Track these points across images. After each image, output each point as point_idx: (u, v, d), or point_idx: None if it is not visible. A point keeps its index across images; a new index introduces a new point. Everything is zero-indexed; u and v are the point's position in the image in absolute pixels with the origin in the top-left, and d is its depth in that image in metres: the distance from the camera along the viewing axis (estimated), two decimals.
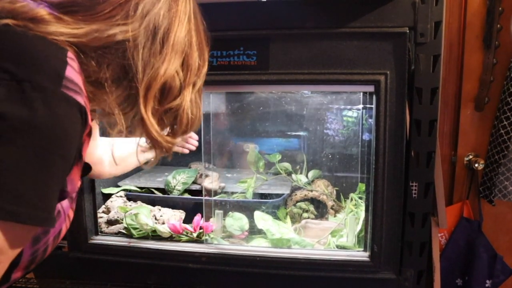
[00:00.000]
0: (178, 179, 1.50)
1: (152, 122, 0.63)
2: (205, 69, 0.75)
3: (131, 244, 1.21)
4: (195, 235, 1.24)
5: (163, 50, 0.64)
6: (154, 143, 0.67)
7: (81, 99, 0.53)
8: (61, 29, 0.55)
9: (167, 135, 0.70)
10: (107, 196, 1.42)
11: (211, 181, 1.37)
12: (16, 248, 0.49)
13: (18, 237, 0.49)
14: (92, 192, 1.24)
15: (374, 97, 1.07)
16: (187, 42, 0.69)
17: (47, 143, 0.48)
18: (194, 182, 1.48)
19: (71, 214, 0.66)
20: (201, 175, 1.43)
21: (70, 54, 0.55)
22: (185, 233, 1.24)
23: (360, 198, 1.37)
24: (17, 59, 0.49)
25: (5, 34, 0.51)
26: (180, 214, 1.36)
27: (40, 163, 0.48)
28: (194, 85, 0.72)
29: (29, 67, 0.49)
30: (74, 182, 0.60)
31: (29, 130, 0.47)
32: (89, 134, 0.60)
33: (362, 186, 1.40)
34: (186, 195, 1.47)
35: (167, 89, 0.66)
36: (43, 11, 0.55)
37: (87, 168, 0.72)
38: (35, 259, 0.58)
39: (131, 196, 1.44)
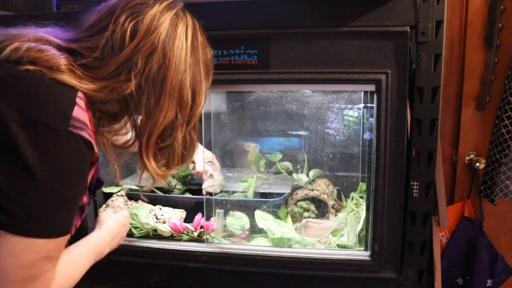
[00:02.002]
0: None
1: (153, 166, 0.69)
2: (201, 104, 0.76)
3: (132, 243, 1.22)
4: (196, 234, 1.24)
5: (161, 98, 0.69)
6: (151, 176, 0.74)
7: (86, 134, 0.63)
8: (73, 80, 0.64)
9: (162, 167, 0.75)
10: (108, 195, 1.43)
11: (211, 185, 1.37)
12: (59, 253, 0.65)
13: (60, 245, 0.65)
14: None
15: (375, 96, 1.07)
16: (183, 82, 0.71)
17: (62, 173, 0.59)
18: (190, 174, 1.46)
19: (79, 223, 0.74)
20: (193, 167, 1.39)
21: (79, 94, 0.64)
22: (186, 232, 1.24)
23: (361, 197, 1.37)
24: (32, 102, 0.59)
25: (24, 79, 0.60)
26: (181, 213, 1.36)
27: (61, 192, 0.60)
28: (188, 123, 0.74)
29: (41, 110, 0.59)
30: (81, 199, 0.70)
31: (44, 166, 0.57)
32: (96, 160, 0.70)
33: (363, 185, 1.40)
34: (187, 194, 1.47)
35: (164, 133, 0.71)
36: (62, 62, 0.64)
37: (99, 183, 0.80)
38: None
39: (132, 195, 1.45)
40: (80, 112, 0.63)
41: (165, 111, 0.69)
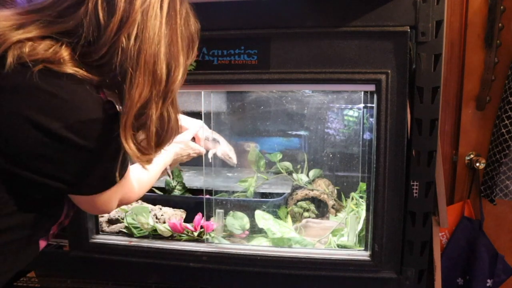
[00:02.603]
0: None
1: (132, 149, 0.67)
2: (178, 79, 0.72)
3: (132, 243, 1.22)
4: (196, 234, 1.24)
5: (136, 74, 0.65)
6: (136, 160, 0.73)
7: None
8: (78, 70, 0.65)
9: (143, 150, 0.71)
10: None
11: (220, 150, 1.31)
12: (129, 182, 0.83)
13: (127, 179, 0.80)
14: None
15: (375, 96, 1.07)
16: (157, 55, 0.67)
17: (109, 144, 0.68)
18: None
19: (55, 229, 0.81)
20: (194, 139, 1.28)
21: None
22: (186, 232, 1.24)
23: (361, 197, 1.37)
24: (68, 109, 0.64)
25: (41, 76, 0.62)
26: (181, 213, 1.36)
27: (112, 152, 0.70)
28: (164, 99, 0.70)
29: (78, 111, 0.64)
30: None
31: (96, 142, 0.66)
32: None
33: (363, 185, 1.40)
34: (187, 194, 1.47)
35: (139, 111, 0.67)
36: (65, 53, 0.65)
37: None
38: (63, 222, 0.80)
39: None
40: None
41: (140, 88, 0.65)
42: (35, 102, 0.62)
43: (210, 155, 1.29)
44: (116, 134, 0.66)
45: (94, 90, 0.66)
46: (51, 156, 0.64)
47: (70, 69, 0.64)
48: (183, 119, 1.18)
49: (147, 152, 0.70)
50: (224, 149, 1.30)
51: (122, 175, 0.75)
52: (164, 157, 1.05)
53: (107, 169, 0.71)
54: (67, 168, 0.66)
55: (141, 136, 0.69)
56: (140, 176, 0.92)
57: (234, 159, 1.33)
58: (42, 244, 0.78)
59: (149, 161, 0.72)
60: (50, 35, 0.66)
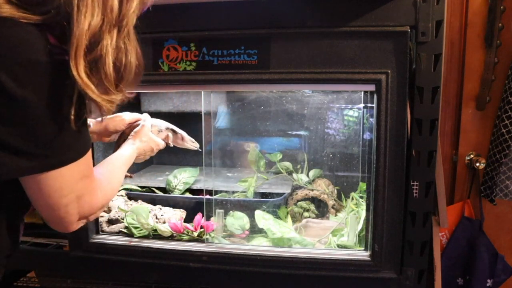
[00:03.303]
0: (179, 179, 1.50)
1: (86, 83, 0.59)
2: (132, 8, 0.65)
3: (132, 243, 1.22)
4: (196, 234, 1.24)
5: (84, 1, 0.59)
6: (94, 104, 0.64)
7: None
8: (15, 13, 0.57)
9: (103, 90, 0.64)
10: None
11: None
12: (91, 168, 0.71)
13: (88, 161, 0.68)
14: None
15: (375, 96, 1.06)
16: None
17: (55, 100, 0.60)
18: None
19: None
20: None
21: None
22: (186, 232, 1.24)
23: (361, 197, 1.37)
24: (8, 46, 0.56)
25: None
26: (181, 213, 1.36)
27: (61, 116, 0.61)
28: (119, 29, 0.64)
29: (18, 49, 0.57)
30: None
31: (38, 99, 0.58)
32: None
33: (363, 185, 1.40)
34: (187, 194, 1.47)
35: (91, 42, 0.61)
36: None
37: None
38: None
39: (132, 195, 1.45)
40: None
41: (90, 14, 0.59)
42: None
43: (172, 145, 1.19)
44: (66, 86, 0.59)
45: (37, 32, 0.58)
46: None
47: (5, 11, 0.57)
48: (129, 115, 1.11)
49: (106, 90, 0.63)
50: (185, 136, 1.21)
51: (79, 151, 0.65)
52: (125, 160, 0.95)
53: (55, 132, 0.60)
54: (5, 124, 0.57)
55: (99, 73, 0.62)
56: (100, 179, 0.77)
57: (196, 142, 1.24)
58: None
59: (111, 103, 0.64)
60: None
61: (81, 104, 0.62)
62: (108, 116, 1.04)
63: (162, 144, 1.12)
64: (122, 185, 1.47)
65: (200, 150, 1.26)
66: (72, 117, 0.61)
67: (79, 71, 0.58)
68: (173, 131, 1.18)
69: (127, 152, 0.98)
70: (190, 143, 1.21)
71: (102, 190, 0.75)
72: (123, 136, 1.09)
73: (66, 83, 0.59)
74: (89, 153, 0.68)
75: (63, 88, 0.59)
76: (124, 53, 0.65)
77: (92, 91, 0.60)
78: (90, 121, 1.03)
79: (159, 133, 1.14)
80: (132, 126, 1.09)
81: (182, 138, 1.19)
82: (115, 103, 0.65)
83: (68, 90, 0.60)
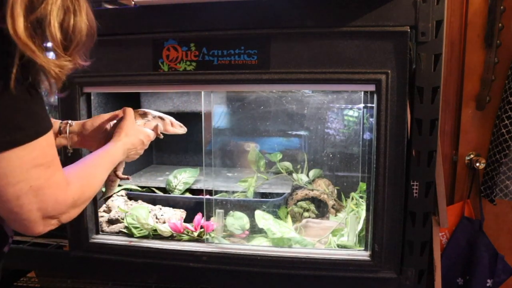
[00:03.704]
0: (179, 179, 1.50)
1: (24, 41, 0.54)
2: None
3: (132, 243, 1.22)
4: (196, 234, 1.24)
5: None
6: (42, 69, 0.59)
7: None
8: None
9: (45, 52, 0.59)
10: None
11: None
12: (50, 157, 0.62)
13: (44, 149, 0.61)
14: None
15: (375, 96, 1.06)
16: None
17: None
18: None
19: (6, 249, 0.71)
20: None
21: None
22: (186, 232, 1.24)
23: (361, 197, 1.37)
24: None
25: None
26: (181, 213, 1.36)
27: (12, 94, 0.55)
28: None
29: None
30: None
31: None
32: None
33: (363, 185, 1.40)
34: (187, 194, 1.47)
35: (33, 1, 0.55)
36: None
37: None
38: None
39: (132, 195, 1.45)
40: None
41: None
42: None
43: (162, 136, 1.13)
44: (4, 56, 0.54)
45: None
46: None
47: None
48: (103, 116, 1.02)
49: (55, 54, 0.59)
50: (174, 121, 1.16)
51: (28, 133, 0.57)
52: (106, 155, 0.86)
53: (7, 108, 0.54)
54: None
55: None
56: (70, 172, 0.70)
57: (184, 127, 1.19)
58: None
59: (60, 68, 0.59)
60: None
61: (26, 68, 0.57)
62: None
63: (152, 134, 1.05)
64: (122, 186, 1.47)
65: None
66: (12, 79, 0.54)
67: (16, 28, 0.53)
68: (161, 118, 1.12)
69: (109, 147, 0.89)
70: (179, 128, 1.16)
71: (74, 185, 0.66)
72: (108, 136, 1.00)
73: (8, 50, 0.53)
74: (48, 139, 0.61)
75: (5, 59, 0.54)
76: (73, 13, 0.60)
77: (32, 51, 0.54)
78: (72, 122, 0.98)
79: (146, 124, 1.08)
80: (115, 124, 1.01)
81: (172, 124, 1.14)
82: (65, 69, 0.60)
83: (9, 58, 0.54)
